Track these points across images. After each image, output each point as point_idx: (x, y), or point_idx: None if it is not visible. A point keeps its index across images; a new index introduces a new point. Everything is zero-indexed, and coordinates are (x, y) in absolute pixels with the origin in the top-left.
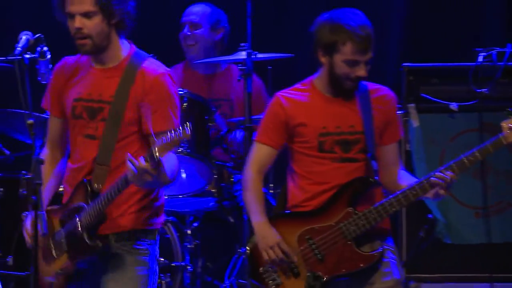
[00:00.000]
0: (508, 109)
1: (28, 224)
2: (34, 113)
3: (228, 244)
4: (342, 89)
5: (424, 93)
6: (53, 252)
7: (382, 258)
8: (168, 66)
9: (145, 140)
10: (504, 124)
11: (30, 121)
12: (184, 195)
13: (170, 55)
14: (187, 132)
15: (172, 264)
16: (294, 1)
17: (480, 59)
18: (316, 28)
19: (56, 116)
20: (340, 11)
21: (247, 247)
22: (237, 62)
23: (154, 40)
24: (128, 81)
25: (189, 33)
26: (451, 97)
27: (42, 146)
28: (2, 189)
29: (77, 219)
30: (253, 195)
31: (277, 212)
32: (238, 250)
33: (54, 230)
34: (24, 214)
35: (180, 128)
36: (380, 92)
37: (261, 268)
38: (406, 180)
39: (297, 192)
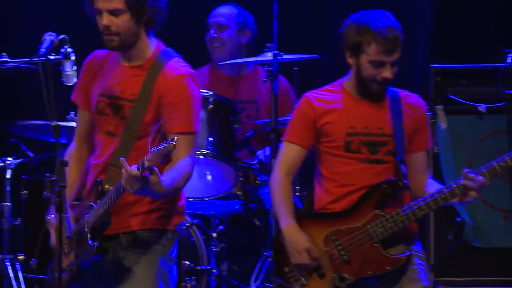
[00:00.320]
0: None
1: (54, 223)
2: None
3: (254, 247)
4: (369, 91)
5: (452, 94)
6: (66, 248)
7: (410, 264)
8: (194, 68)
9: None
10: None
11: (54, 123)
12: (210, 198)
13: (197, 56)
14: (171, 143)
15: (198, 268)
16: (321, 1)
17: (509, 60)
18: (344, 29)
19: (84, 110)
20: (369, 12)
21: (273, 246)
22: (263, 63)
23: (180, 41)
24: (150, 81)
25: (215, 35)
26: (479, 98)
27: (69, 142)
28: (26, 191)
29: (86, 218)
30: (281, 197)
31: (305, 212)
32: (264, 253)
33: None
34: (48, 216)
35: (174, 138)
36: (410, 98)
37: (286, 268)
38: (433, 188)
39: (323, 195)
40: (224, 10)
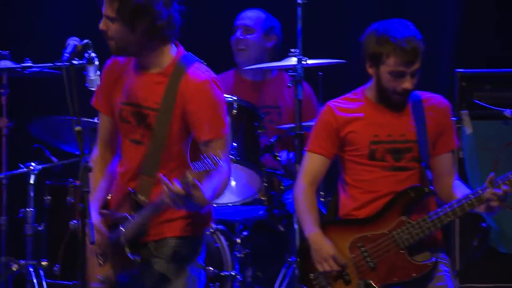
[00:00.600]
0: None
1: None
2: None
3: (278, 253)
4: (390, 101)
5: (478, 99)
6: (99, 257)
7: (436, 271)
8: (218, 73)
9: (194, 148)
10: None
11: (78, 128)
12: (234, 204)
13: (221, 61)
14: (217, 162)
15: (222, 274)
16: (346, 6)
17: None
18: (364, 38)
19: (106, 114)
20: (389, 22)
21: (298, 253)
22: (287, 68)
23: (205, 45)
24: (173, 88)
25: (241, 37)
26: (505, 103)
27: (92, 148)
28: (49, 197)
29: (122, 230)
30: (306, 206)
31: (330, 219)
32: (288, 259)
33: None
34: (71, 222)
35: (217, 156)
36: (433, 100)
37: (311, 275)
38: (460, 191)
39: (347, 202)
40: (252, 13)
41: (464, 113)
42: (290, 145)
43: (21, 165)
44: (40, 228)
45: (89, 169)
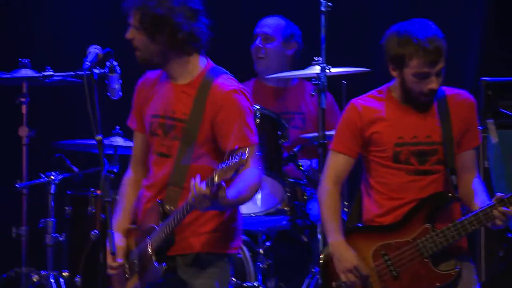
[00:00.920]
0: None
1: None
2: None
3: (302, 264)
4: (417, 103)
5: (503, 108)
6: (126, 272)
7: (460, 279)
8: (239, 82)
9: (221, 159)
10: None
11: (98, 137)
12: (257, 214)
13: (242, 71)
14: (243, 158)
15: (244, 284)
16: (370, 14)
17: None
18: (385, 40)
19: (139, 132)
20: (409, 22)
21: (320, 260)
22: (310, 77)
23: (225, 55)
24: (201, 99)
25: (260, 45)
26: None
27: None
28: (70, 207)
29: (148, 240)
30: (330, 211)
31: (353, 226)
32: (312, 269)
33: (129, 250)
34: (92, 232)
35: (246, 151)
36: (458, 97)
37: (334, 283)
38: (479, 191)
39: (371, 207)
40: (272, 21)
41: (490, 122)
42: (313, 154)
43: (41, 175)
44: (61, 239)
45: (110, 179)
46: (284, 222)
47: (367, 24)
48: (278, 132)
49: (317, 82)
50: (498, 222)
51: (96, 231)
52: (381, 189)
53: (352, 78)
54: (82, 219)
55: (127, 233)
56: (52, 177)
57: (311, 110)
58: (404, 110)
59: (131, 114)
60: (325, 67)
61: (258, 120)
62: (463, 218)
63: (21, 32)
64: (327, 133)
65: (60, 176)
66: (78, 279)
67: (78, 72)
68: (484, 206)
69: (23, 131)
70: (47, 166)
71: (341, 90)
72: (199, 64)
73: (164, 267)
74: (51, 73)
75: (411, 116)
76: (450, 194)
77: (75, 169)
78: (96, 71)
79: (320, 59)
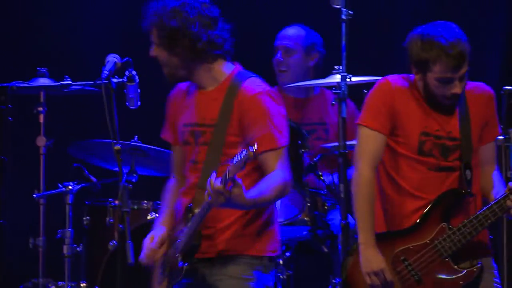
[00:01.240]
0: None
1: (145, 242)
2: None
3: (322, 275)
4: (440, 105)
5: None
6: (160, 276)
7: (484, 281)
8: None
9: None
10: None
11: (117, 147)
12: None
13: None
14: (251, 150)
15: None
16: (391, 21)
17: None
18: (408, 43)
19: (175, 145)
20: (433, 25)
21: (343, 267)
22: (331, 86)
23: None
24: (228, 103)
25: (281, 59)
26: None
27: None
28: (88, 217)
29: (177, 243)
30: (365, 207)
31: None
32: (333, 281)
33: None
34: (111, 243)
35: (254, 146)
36: (476, 90)
37: None
38: (496, 184)
39: (387, 205)
40: (292, 32)
41: None
42: (334, 164)
43: (59, 185)
44: (78, 249)
45: (128, 189)
46: (305, 233)
47: (388, 32)
48: (298, 142)
49: (337, 91)
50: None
51: (114, 241)
52: (403, 184)
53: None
54: (100, 230)
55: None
56: (70, 187)
57: (333, 121)
58: (428, 105)
59: (165, 127)
60: (345, 76)
61: None
62: (478, 212)
63: (39, 41)
64: (348, 142)
65: (78, 186)
66: None
67: (96, 81)
68: (498, 198)
69: (41, 141)
70: (64, 176)
71: (362, 99)
72: (224, 70)
73: (185, 267)
74: (69, 82)
75: (435, 111)
76: (463, 190)
77: (93, 179)
78: (115, 80)
79: (341, 68)
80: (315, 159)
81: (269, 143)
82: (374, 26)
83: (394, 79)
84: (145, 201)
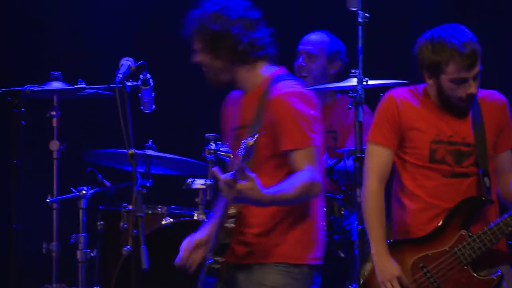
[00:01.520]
0: None
1: (183, 245)
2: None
3: (339, 280)
4: (455, 109)
5: None
6: None
7: (502, 284)
8: None
9: (281, 161)
10: None
11: (131, 151)
12: None
13: None
14: (250, 140)
15: None
16: (408, 24)
17: None
18: (417, 49)
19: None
20: (441, 28)
21: (361, 274)
22: (347, 89)
23: None
24: (261, 106)
25: (304, 64)
26: None
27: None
28: (102, 222)
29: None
30: (374, 218)
31: (388, 241)
32: (349, 286)
33: None
34: (125, 248)
35: (254, 136)
36: (489, 97)
37: None
38: None
39: (403, 216)
40: (316, 37)
41: None
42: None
43: (73, 189)
44: (92, 254)
45: (142, 194)
46: None
47: (405, 34)
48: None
49: (354, 94)
50: None
51: (128, 246)
52: (417, 191)
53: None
54: (114, 235)
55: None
56: (83, 191)
57: (344, 125)
58: (440, 112)
59: (223, 137)
60: (362, 79)
61: None
62: (499, 220)
63: (53, 44)
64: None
65: (92, 191)
66: None
67: (110, 85)
68: None
69: (54, 145)
70: (78, 181)
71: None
72: (263, 72)
73: (209, 264)
74: (83, 85)
75: (447, 116)
76: (483, 198)
77: (107, 183)
78: (129, 83)
79: (357, 71)
80: (331, 163)
81: (295, 142)
82: (391, 28)
83: (398, 92)
84: (160, 206)
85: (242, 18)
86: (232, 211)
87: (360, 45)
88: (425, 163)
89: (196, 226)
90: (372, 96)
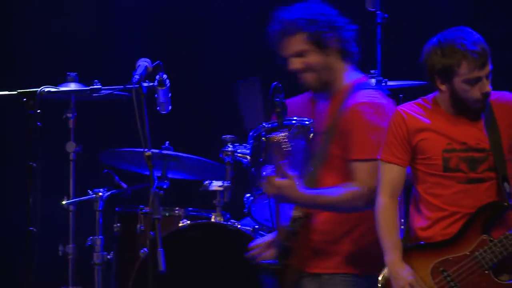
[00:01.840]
0: None
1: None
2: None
3: None
4: (470, 111)
5: None
6: None
7: None
8: (296, 94)
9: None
10: None
11: (148, 153)
12: None
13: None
14: (275, 135)
15: None
16: (427, 24)
17: None
18: (426, 56)
19: None
20: (447, 32)
21: (378, 284)
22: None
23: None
24: (337, 113)
25: None
26: None
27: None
28: (119, 224)
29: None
30: (386, 227)
31: (408, 245)
32: None
33: None
34: (142, 251)
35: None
36: (501, 99)
37: None
38: None
39: (416, 220)
40: None
41: None
42: None
43: (89, 191)
44: (109, 257)
45: (159, 195)
46: None
47: (424, 35)
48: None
49: None
50: None
51: (145, 249)
52: (433, 200)
53: (409, 91)
54: (131, 237)
55: None
56: (100, 193)
57: None
58: (451, 120)
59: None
60: (381, 80)
61: (312, 135)
62: None
63: (69, 45)
64: None
65: (108, 193)
66: None
67: (127, 86)
68: None
69: (70, 147)
70: (94, 182)
71: (398, 104)
72: (347, 77)
73: (269, 264)
74: (99, 86)
75: (459, 124)
76: (505, 203)
77: (124, 185)
78: (145, 84)
79: (376, 72)
80: None
81: (357, 153)
82: (410, 29)
83: (406, 107)
84: (177, 208)
85: (336, 19)
86: (297, 214)
87: (379, 45)
88: (440, 172)
89: (213, 228)
90: (391, 97)
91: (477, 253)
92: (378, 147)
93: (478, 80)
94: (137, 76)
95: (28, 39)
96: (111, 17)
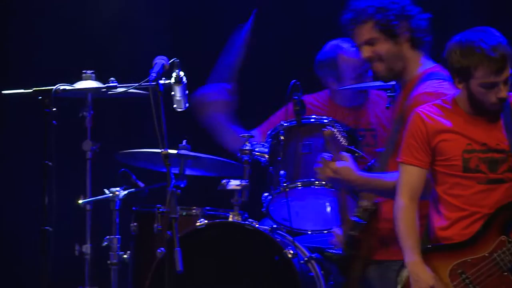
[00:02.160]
0: None
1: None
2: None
3: None
4: (486, 112)
5: None
6: None
7: None
8: (313, 91)
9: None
10: None
11: (165, 152)
12: (329, 231)
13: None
14: (325, 129)
15: None
16: (446, 23)
17: None
18: (447, 53)
19: None
20: (471, 31)
21: (398, 285)
22: (386, 88)
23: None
24: (405, 103)
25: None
26: None
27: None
28: (136, 224)
29: None
30: (405, 229)
31: (425, 247)
32: None
33: None
34: (159, 250)
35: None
36: None
37: None
38: None
39: (435, 221)
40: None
41: None
42: None
43: (106, 190)
44: (125, 257)
45: (176, 194)
46: None
47: (443, 32)
48: (352, 146)
49: (392, 94)
50: None
51: (162, 249)
52: (452, 201)
53: None
54: (148, 237)
55: None
56: (116, 192)
57: (383, 125)
58: (471, 121)
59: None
60: None
61: None
62: None
63: (86, 43)
64: None
65: (125, 192)
66: None
67: (142, 83)
68: None
69: (87, 145)
70: (111, 182)
71: None
72: (419, 66)
73: (329, 253)
74: (116, 84)
75: (478, 124)
76: None
77: (141, 184)
78: (162, 82)
79: None
80: (368, 164)
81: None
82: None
83: (425, 109)
84: (194, 207)
85: (408, 8)
86: (366, 204)
87: None
88: (460, 173)
89: (231, 227)
90: None
91: (495, 255)
92: (406, 148)
93: (494, 85)
94: (154, 74)
95: (45, 37)
96: (129, 16)
